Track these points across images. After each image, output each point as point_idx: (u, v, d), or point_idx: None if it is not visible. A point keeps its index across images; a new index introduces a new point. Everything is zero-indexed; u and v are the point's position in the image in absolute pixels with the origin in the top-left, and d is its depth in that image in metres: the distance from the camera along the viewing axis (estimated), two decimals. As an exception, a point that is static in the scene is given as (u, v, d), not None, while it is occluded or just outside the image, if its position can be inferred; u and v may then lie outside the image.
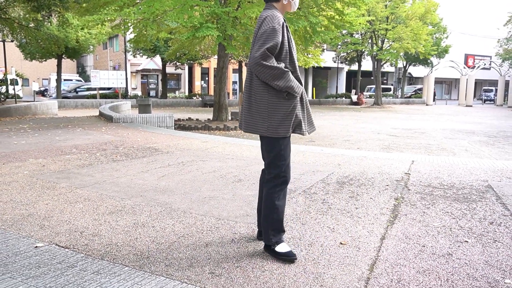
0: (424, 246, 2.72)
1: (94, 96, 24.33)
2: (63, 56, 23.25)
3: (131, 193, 3.94)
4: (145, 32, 12.49)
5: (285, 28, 2.48)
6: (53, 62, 30.75)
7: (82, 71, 45.86)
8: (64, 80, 35.40)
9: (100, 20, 10.58)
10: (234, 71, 37.05)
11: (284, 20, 2.52)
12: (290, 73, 2.41)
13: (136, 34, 13.83)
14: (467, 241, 2.82)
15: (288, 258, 2.45)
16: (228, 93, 38.80)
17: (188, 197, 3.83)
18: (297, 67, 2.55)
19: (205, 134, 9.21)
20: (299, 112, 2.49)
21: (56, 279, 2.17)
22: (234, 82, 39.12)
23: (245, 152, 6.35)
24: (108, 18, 10.66)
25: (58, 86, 23.68)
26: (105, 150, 6.31)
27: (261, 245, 2.69)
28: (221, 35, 10.83)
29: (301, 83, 2.52)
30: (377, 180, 4.59)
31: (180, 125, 12.71)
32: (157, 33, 12.52)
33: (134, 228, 2.98)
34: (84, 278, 2.19)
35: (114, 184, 4.26)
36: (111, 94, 25.44)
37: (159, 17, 10.96)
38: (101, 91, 25.50)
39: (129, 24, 11.95)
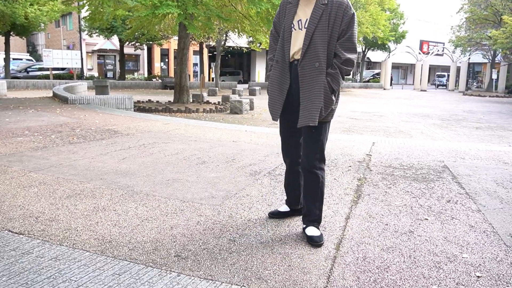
0: (387, 225, 2.78)
1: (47, 77, 23.12)
2: (11, 33, 21.86)
3: (90, 176, 3.78)
4: (101, 10, 11.92)
5: None
6: (0, 39, 28.89)
7: (33, 50, 43.43)
8: (13, 59, 33.46)
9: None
10: (195, 52, 36.37)
11: None
12: None
13: (91, 11, 13.20)
14: (427, 219, 2.92)
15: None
16: (189, 75, 38.15)
17: (151, 179, 3.72)
18: None
19: (166, 116, 9.00)
20: None
21: (10, 266, 2.04)
22: (195, 64, 38.45)
23: (208, 134, 6.26)
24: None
25: (6, 66, 22.29)
26: (60, 132, 6.02)
27: (226, 225, 2.66)
28: (182, 13, 10.53)
29: None
30: (340, 162, 4.65)
31: (140, 107, 12.36)
32: (114, 11, 11.99)
33: (94, 212, 2.86)
34: (41, 265, 2.07)
35: (71, 167, 4.07)
36: (66, 74, 24.30)
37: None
38: (54, 72, 24.28)
39: (84, 1, 11.35)
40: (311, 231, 2.51)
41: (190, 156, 4.71)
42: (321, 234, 2.50)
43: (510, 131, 10.75)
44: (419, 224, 2.82)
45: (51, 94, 13.10)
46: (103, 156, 4.61)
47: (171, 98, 14.96)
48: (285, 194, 2.92)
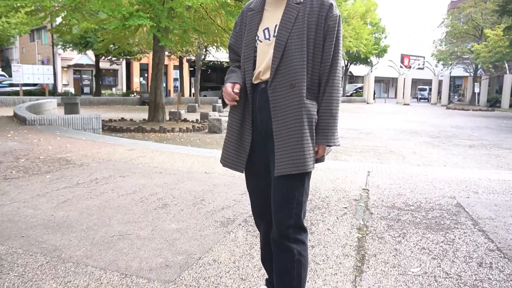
0: (409, 315, 1.96)
1: (17, 93, 21.94)
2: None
3: (10, 231, 2.87)
4: (66, 22, 11.02)
5: None
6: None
7: (6, 65, 41.94)
8: (-16, 74, 32.06)
9: (10, 7, 9.05)
10: (175, 67, 35.53)
11: None
12: None
13: (58, 24, 12.29)
14: (462, 300, 2.11)
15: None
16: (169, 91, 37.19)
17: (90, 236, 2.83)
18: None
19: (134, 140, 8.09)
20: None
21: None
22: (175, 79, 37.58)
23: (177, 163, 5.39)
24: (18, 4, 9.14)
25: (-28, 82, 21.05)
26: (0, 163, 5.07)
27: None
28: (155, 25, 9.70)
29: None
30: (333, 200, 3.84)
31: (110, 127, 11.40)
32: (83, 23, 11.11)
33: (-15, 305, 1.96)
34: None
35: (-11, 217, 3.15)
36: (37, 91, 23.12)
37: (81, 4, 9.60)
38: (26, 88, 23.10)
39: (47, 12, 10.44)
40: None
41: (150, 197, 3.83)
42: None
43: (505, 149, 10.16)
44: (453, 310, 2.00)
45: (12, 113, 12.04)
46: (39, 198, 3.69)
47: (147, 116, 14.04)
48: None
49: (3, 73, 34.08)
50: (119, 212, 3.38)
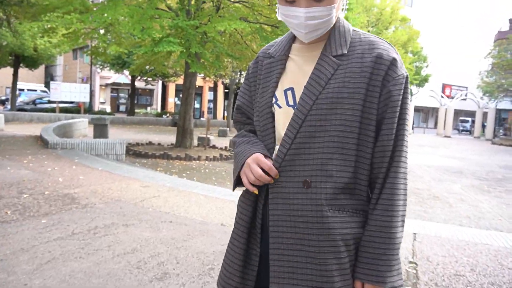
0: None
1: (53, 110, 22.32)
2: (21, 65, 21.25)
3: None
4: (100, 44, 10.88)
5: None
6: (20, 70, 28.57)
7: (50, 82, 43.50)
8: (28, 90, 33.20)
9: (41, 28, 8.91)
10: (210, 89, 35.63)
11: None
12: None
13: (93, 45, 12.22)
14: None
15: None
16: (203, 112, 37.24)
17: (58, 325, 2.22)
18: None
19: (153, 173, 7.57)
20: None
21: None
22: (210, 101, 37.64)
23: (192, 208, 4.78)
24: (49, 26, 9.01)
25: (12, 97, 21.58)
26: (0, 199, 4.62)
27: None
28: (184, 51, 9.32)
29: None
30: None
31: (135, 152, 11.03)
32: (112, 47, 10.94)
33: None
34: None
35: (-50, 284, 2.61)
36: (73, 108, 23.46)
37: (111, 26, 9.38)
38: (63, 105, 23.51)
39: (79, 34, 10.31)
40: None
41: (149, 260, 3.20)
42: None
43: None
44: None
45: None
46: (22, 254, 3.14)
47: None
48: None
49: (45, 89, 35.25)
50: (107, 283, 2.76)
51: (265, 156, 1.13)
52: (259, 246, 1.16)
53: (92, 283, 2.74)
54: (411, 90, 35.95)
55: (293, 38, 1.22)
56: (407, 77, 1.10)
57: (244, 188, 1.21)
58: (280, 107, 1.15)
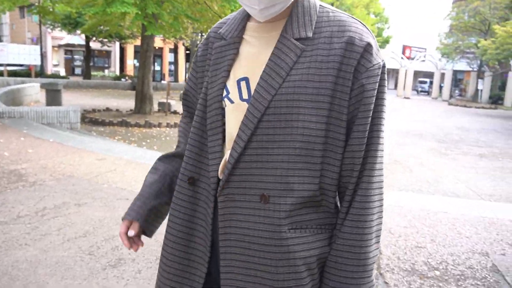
0: None
1: (1, 74, 20.86)
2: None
3: None
4: (45, 3, 10.03)
5: None
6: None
7: (-4, 42, 40.50)
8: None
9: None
10: (171, 50, 34.40)
11: None
12: None
13: (41, 3, 11.28)
14: None
15: None
16: (164, 74, 36.07)
17: (-3, 327, 2.02)
18: None
19: (109, 144, 7.22)
20: None
21: None
22: (171, 63, 36.45)
23: (151, 183, 4.55)
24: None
25: (-47, 60, 19.92)
26: None
27: None
28: (140, 13, 8.75)
29: None
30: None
31: (92, 120, 10.51)
32: (59, 7, 10.11)
33: None
34: None
35: None
36: (23, 72, 22.02)
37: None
38: (11, 68, 22.00)
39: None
40: None
41: (103, 244, 3.00)
42: None
43: (518, 160, 9.39)
44: None
45: (-14, 100, 11.09)
46: (-43, 244, 2.85)
47: (134, 106, 13.13)
48: None
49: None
50: (55, 272, 2.55)
51: (130, 222, 1.05)
52: (207, 266, 0.99)
53: (38, 274, 2.52)
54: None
55: (248, 15, 0.99)
56: (383, 66, 0.89)
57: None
58: (232, 101, 0.94)
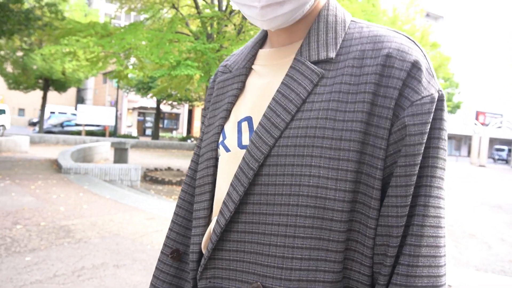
0: None
1: (79, 133, 22.59)
2: (50, 88, 21.72)
3: None
4: (121, 67, 10.80)
5: None
6: (52, 93, 29.28)
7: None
8: (59, 113, 34.09)
9: (60, 51, 8.87)
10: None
11: None
12: None
13: (116, 69, 12.19)
14: None
15: None
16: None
17: None
18: None
19: (164, 201, 7.20)
20: None
21: None
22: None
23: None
24: (67, 50, 8.97)
25: (41, 120, 21.98)
26: (-9, 230, 4.30)
27: None
28: (203, 75, 9.06)
29: None
30: None
31: (152, 178, 10.73)
32: (139, 70, 10.83)
33: None
34: None
35: None
36: (99, 131, 23.70)
37: (131, 51, 9.24)
38: (88, 128, 23.81)
39: (97, 58, 10.26)
40: None
41: (131, 314, 2.74)
42: None
43: None
44: None
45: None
46: (-14, 302, 2.74)
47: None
48: None
49: (75, 112, 36.10)
50: None
51: None
52: None
53: None
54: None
55: (261, 41, 0.76)
56: (440, 100, 0.60)
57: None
58: (227, 149, 0.70)
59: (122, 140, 16.14)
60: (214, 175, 0.72)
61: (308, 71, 0.63)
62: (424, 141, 0.58)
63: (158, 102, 25.25)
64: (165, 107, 28.94)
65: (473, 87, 44.14)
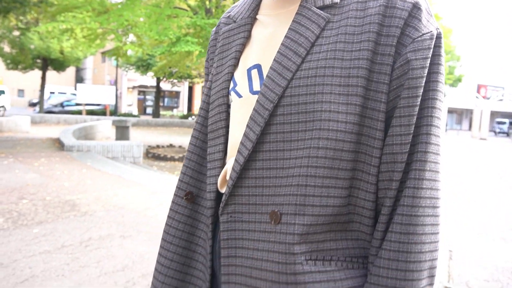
0: None
1: (80, 112, 22.56)
2: (48, 67, 21.58)
3: None
4: (120, 44, 10.71)
5: None
6: (51, 73, 29.18)
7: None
8: (58, 93, 33.98)
9: (57, 28, 8.77)
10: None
11: None
12: None
13: (114, 47, 12.09)
14: None
15: None
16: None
17: None
18: None
19: (168, 176, 7.26)
20: None
21: None
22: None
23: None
24: (64, 26, 8.86)
25: (40, 100, 21.92)
26: (-3, 205, 4.36)
27: None
28: (203, 51, 8.98)
29: None
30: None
31: (154, 155, 10.78)
32: (138, 46, 10.73)
33: None
34: None
35: None
36: (99, 110, 23.66)
37: (129, 27, 9.14)
38: (89, 107, 23.77)
39: (94, 35, 10.15)
40: None
41: (139, 280, 2.80)
42: None
43: None
44: None
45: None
46: (-3, 272, 2.80)
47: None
48: None
49: (75, 92, 35.96)
50: (84, 309, 2.38)
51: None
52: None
53: (66, 310, 2.36)
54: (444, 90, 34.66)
55: None
56: (438, 37, 0.63)
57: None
58: (239, 95, 0.72)
59: (123, 118, 16.12)
60: (227, 120, 0.75)
61: (315, 16, 0.66)
62: (425, 74, 0.62)
63: (158, 80, 25.11)
64: (165, 85, 28.80)
65: (475, 60, 43.71)
